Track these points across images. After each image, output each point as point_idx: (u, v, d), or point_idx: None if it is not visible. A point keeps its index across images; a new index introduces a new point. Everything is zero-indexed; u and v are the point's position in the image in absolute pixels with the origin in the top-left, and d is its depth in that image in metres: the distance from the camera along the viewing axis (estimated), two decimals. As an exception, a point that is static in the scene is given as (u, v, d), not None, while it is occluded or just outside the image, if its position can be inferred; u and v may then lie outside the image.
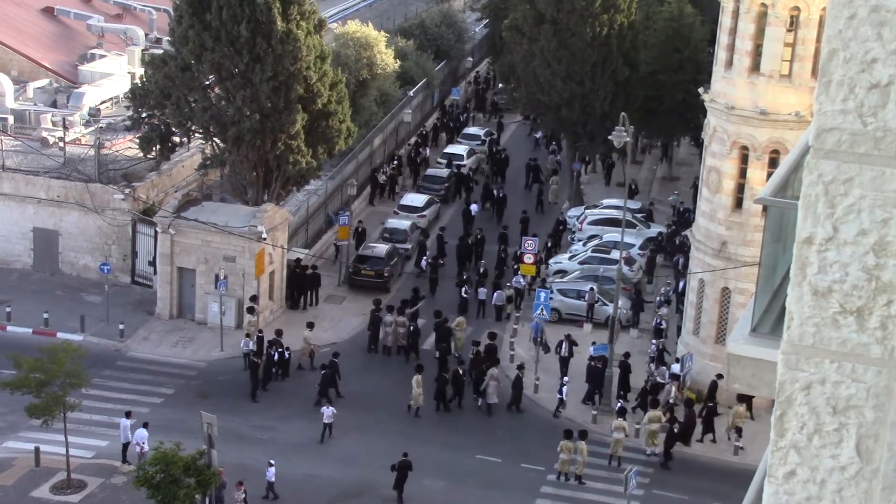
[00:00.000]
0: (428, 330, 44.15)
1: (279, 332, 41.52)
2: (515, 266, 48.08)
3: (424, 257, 49.55)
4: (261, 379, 39.91)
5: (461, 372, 39.79)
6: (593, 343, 41.35)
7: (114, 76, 57.09)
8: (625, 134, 39.10)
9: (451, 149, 63.03)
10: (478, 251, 50.35)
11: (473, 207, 54.65)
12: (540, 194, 58.06)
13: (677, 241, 51.05)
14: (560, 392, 39.61)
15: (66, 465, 33.88)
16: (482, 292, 46.47)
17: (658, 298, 46.25)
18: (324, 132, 46.58)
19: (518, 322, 45.46)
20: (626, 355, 40.74)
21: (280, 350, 40.85)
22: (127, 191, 46.79)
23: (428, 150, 62.95)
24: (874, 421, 4.56)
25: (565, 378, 39.81)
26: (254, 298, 43.58)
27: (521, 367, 40.01)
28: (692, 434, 38.12)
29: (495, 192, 56.66)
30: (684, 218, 53.75)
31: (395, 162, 60.16)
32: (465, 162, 60.68)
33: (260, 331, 41.78)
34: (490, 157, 62.50)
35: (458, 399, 39.59)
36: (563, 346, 41.01)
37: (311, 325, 42.32)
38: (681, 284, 46.22)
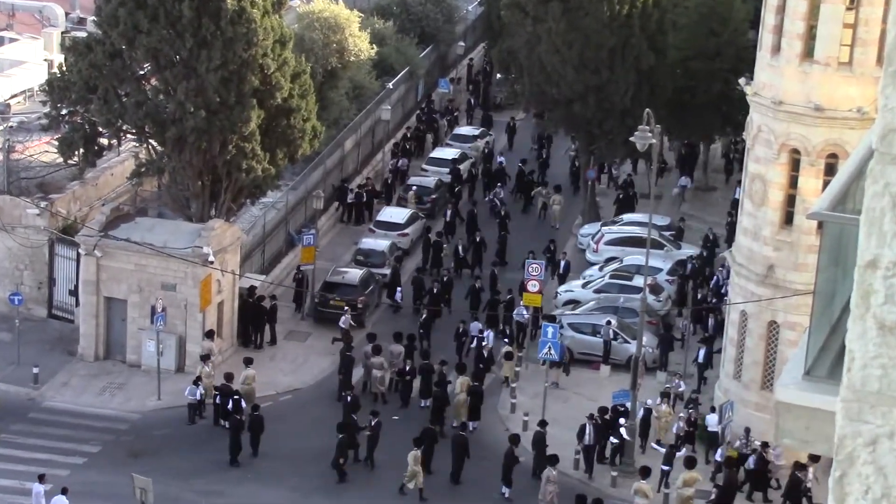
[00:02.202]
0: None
1: (229, 377, 41.40)
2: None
3: (399, 289, 49.18)
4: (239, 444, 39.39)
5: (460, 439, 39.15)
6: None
7: (27, 64, 57.11)
8: (650, 134, 39.21)
9: (438, 153, 63.04)
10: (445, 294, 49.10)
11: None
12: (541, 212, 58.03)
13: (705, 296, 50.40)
14: (616, 436, 39.56)
15: (-33, 540, 33.80)
16: (475, 327, 46.17)
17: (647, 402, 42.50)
18: (284, 132, 46.65)
19: (521, 363, 45.37)
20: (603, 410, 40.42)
21: (233, 398, 40.60)
22: (43, 204, 46.74)
23: (401, 162, 62.18)
24: (954, 484, 4.56)
25: (622, 420, 39.73)
26: (210, 334, 43.46)
27: (542, 424, 39.63)
28: (733, 499, 38.10)
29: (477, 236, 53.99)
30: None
31: (368, 180, 59.68)
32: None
33: (197, 380, 41.51)
34: (484, 169, 62.13)
35: (456, 474, 39.07)
36: (589, 431, 39.74)
37: (249, 361, 42.42)
38: (700, 353, 45.17)
